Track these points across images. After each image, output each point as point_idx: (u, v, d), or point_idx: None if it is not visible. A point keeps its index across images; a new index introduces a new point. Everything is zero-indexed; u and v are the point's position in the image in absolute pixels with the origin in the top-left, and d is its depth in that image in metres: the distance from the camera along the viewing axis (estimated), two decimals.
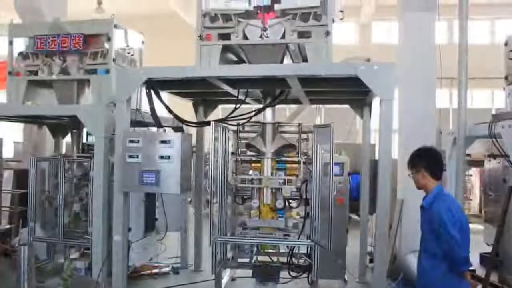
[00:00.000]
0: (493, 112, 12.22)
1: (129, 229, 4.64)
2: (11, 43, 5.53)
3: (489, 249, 6.12)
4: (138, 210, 5.31)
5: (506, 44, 5.84)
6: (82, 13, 11.79)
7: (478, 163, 9.50)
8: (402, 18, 7.85)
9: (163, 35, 15.04)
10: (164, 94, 4.77)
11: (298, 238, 4.37)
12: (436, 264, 3.41)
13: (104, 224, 4.67)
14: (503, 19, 16.22)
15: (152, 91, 4.41)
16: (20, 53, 5.49)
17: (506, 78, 5.85)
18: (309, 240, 4.19)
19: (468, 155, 7.34)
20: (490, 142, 5.44)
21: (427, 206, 3.51)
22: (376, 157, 4.92)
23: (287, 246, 4.85)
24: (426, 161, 3.55)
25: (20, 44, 5.51)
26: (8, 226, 7.09)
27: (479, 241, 6.77)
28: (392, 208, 6.25)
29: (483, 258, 6.48)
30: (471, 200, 11.37)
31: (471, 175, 11.29)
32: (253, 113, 4.44)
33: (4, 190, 7.25)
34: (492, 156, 6.85)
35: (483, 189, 9.01)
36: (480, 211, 10.75)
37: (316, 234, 4.06)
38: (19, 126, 8.34)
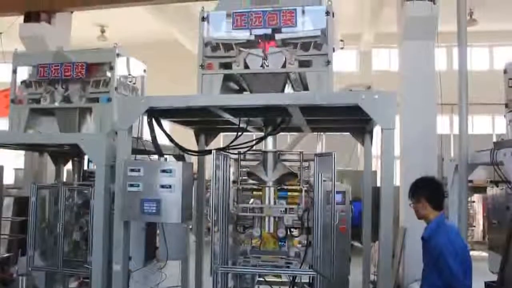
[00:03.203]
0: (494, 137, 12.26)
1: (129, 258, 4.58)
2: (14, 71, 5.59)
3: (494, 277, 6.02)
4: (139, 238, 5.25)
5: (505, 72, 5.88)
6: (86, 41, 12.00)
7: (481, 189, 9.46)
8: (402, 46, 7.97)
9: (165, 62, 15.22)
10: (165, 122, 4.79)
11: (300, 267, 4.31)
12: None
13: (104, 253, 4.61)
14: (501, 46, 16.43)
15: (153, 120, 4.42)
16: (23, 82, 5.54)
17: (506, 105, 5.87)
18: (311, 270, 4.13)
19: (470, 181, 7.32)
20: (492, 167, 5.42)
21: (427, 237, 3.48)
22: (378, 184, 4.90)
23: (289, 276, 4.79)
24: (427, 191, 3.54)
25: (24, 73, 5.57)
26: (7, 254, 7.02)
27: (484, 269, 6.67)
28: (395, 236, 6.19)
29: (488, 286, 6.37)
30: (474, 226, 11.28)
31: (473, 202, 11.22)
32: (254, 141, 4.44)
33: (3, 217, 7.21)
34: (495, 182, 6.81)
35: (486, 216, 8.94)
36: (484, 237, 10.65)
37: (318, 263, 4.01)
38: (20, 152, 8.36)
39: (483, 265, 6.77)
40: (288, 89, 4.44)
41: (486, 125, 15.99)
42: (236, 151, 4.60)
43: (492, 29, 15.00)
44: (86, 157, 5.89)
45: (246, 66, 4.20)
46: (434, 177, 3.99)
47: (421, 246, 3.67)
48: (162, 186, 4.09)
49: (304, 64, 4.14)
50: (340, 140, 10.17)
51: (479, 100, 9.37)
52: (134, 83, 5.64)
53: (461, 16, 5.92)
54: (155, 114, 4.42)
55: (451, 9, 6.10)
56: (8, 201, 7.64)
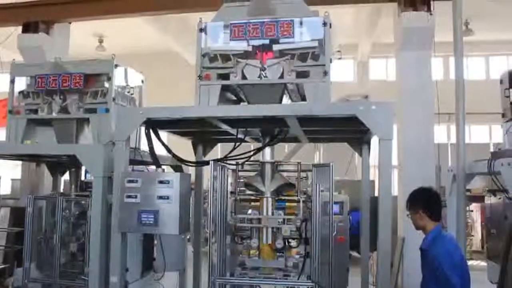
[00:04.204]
0: (491, 146, 12.27)
1: (127, 270, 4.56)
2: (12, 82, 5.59)
3: (493, 287, 5.99)
4: (136, 249, 5.23)
5: (501, 82, 5.89)
6: (84, 50, 12.04)
7: (479, 199, 9.47)
8: (399, 56, 8.02)
9: (163, 72, 15.27)
10: (163, 133, 4.78)
11: (298, 279, 4.29)
12: None
13: (101, 265, 4.59)
14: (497, 56, 16.56)
15: (151, 131, 4.42)
16: (21, 92, 5.54)
17: (503, 115, 5.88)
18: (309, 281, 4.11)
19: (468, 190, 7.32)
20: (490, 176, 5.42)
21: (425, 248, 3.47)
22: (376, 193, 4.90)
23: (287, 287, 4.76)
24: (424, 202, 3.54)
25: (22, 83, 5.57)
26: (2, 266, 6.97)
27: (483, 279, 6.64)
28: (393, 246, 6.17)
29: None
30: (472, 236, 11.29)
31: (471, 211, 11.23)
32: (252, 152, 4.44)
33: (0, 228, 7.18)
34: (492, 191, 6.80)
35: (484, 225, 8.93)
36: (482, 247, 10.65)
37: (316, 274, 4.00)
38: (17, 162, 8.34)
39: (482, 274, 6.75)
40: (285, 99, 4.45)
41: (483, 134, 16.05)
42: (234, 162, 4.59)
43: (488, 39, 15.12)
44: (83, 167, 5.88)
45: (244, 77, 4.20)
46: (431, 187, 3.99)
47: (419, 256, 3.66)
48: (160, 197, 4.07)
49: (301, 74, 4.14)
50: (338, 149, 10.17)
51: (476, 110, 9.40)
52: (132, 94, 5.65)
53: (457, 27, 5.95)
54: (153, 125, 4.41)
55: (447, 19, 6.13)
56: (4, 212, 7.61)
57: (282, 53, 4.16)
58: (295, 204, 4.49)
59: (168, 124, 4.64)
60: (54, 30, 9.15)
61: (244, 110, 4.26)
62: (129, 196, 4.12)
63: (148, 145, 4.41)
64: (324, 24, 4.12)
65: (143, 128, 4.47)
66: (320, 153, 12.08)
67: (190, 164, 4.99)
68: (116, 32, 14.31)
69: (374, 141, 4.54)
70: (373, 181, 7.18)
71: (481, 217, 10.82)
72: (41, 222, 5.61)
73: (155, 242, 5.65)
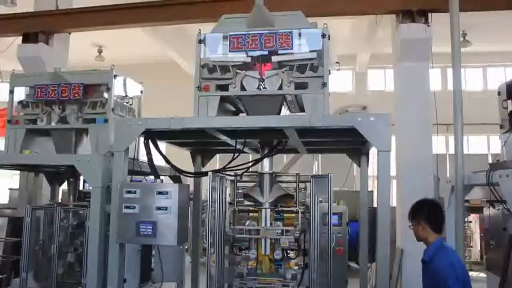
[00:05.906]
0: (490, 157, 12.27)
1: (124, 280, 4.53)
2: (11, 92, 5.60)
3: None
4: (134, 260, 5.20)
5: (499, 94, 5.92)
6: (83, 60, 12.07)
7: (477, 209, 9.44)
8: (397, 67, 8.06)
9: (162, 83, 15.30)
10: (161, 143, 4.79)
11: None
12: None
13: (99, 275, 4.56)
14: (494, 67, 16.65)
15: (150, 141, 4.42)
16: (20, 102, 5.55)
17: (501, 126, 5.90)
18: None
19: (467, 201, 7.30)
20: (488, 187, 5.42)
21: (428, 260, 3.46)
22: (375, 204, 4.89)
23: None
24: (427, 213, 3.53)
25: (21, 93, 5.58)
26: None
27: None
28: (392, 257, 6.15)
29: None
30: (471, 247, 11.24)
31: (470, 222, 11.21)
32: (251, 163, 4.44)
33: None
34: (491, 202, 6.79)
35: (483, 236, 8.91)
36: (482, 258, 10.62)
37: (315, 285, 3.99)
38: (15, 172, 8.32)
39: (481, 286, 6.73)
40: (284, 110, 4.46)
41: (481, 144, 16.06)
42: (232, 173, 4.59)
43: (485, 50, 15.21)
44: (81, 177, 5.86)
45: (243, 88, 4.22)
46: (434, 199, 3.99)
47: (418, 268, 3.65)
48: (158, 208, 4.06)
49: (300, 86, 4.16)
50: (337, 160, 10.15)
51: (474, 120, 9.43)
52: (130, 104, 5.66)
53: (454, 38, 5.99)
54: (152, 135, 4.42)
55: (445, 30, 6.17)
56: (2, 221, 7.57)
57: (281, 65, 4.19)
58: (293, 215, 4.49)
59: (167, 135, 4.65)
60: (53, 41, 9.17)
61: (243, 121, 4.26)
62: (127, 207, 4.11)
63: (147, 155, 4.41)
64: (323, 35, 4.15)
65: (141, 139, 4.48)
66: (318, 164, 12.06)
67: (189, 174, 4.99)
68: (115, 42, 14.36)
69: (373, 152, 4.55)
70: (371, 192, 7.16)
71: (480, 228, 10.80)
72: (38, 232, 5.58)
73: (153, 252, 5.64)
